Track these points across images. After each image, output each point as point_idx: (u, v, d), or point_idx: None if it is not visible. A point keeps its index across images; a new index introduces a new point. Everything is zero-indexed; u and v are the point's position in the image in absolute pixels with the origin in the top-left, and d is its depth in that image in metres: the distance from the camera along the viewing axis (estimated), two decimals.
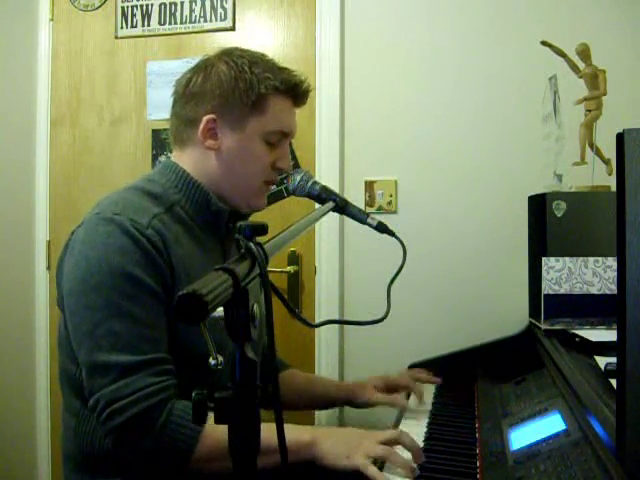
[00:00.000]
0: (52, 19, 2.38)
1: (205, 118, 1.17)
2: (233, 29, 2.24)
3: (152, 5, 2.30)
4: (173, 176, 1.21)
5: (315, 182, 1.30)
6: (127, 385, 1.01)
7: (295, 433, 1.08)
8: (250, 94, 1.16)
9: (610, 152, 1.56)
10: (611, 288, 1.41)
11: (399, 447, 1.07)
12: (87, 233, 1.10)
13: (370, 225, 1.30)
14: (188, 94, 1.21)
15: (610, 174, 1.59)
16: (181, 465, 1.02)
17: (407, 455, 1.05)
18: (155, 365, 1.04)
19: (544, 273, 1.43)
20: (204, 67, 1.20)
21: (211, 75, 1.18)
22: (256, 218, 1.36)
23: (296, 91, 1.22)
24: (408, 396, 1.47)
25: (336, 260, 2.09)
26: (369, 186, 2.07)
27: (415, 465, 1.03)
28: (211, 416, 0.59)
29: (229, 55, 1.20)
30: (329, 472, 1.06)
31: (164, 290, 1.08)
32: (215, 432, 0.99)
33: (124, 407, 1.00)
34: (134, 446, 1.02)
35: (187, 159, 1.23)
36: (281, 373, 1.49)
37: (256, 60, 1.20)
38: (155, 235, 1.08)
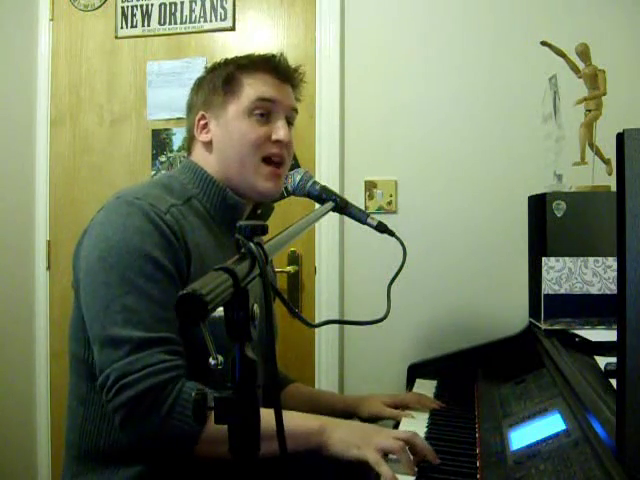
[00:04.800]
0: (52, 19, 2.38)
1: (196, 118, 1.26)
2: (233, 29, 2.24)
3: (152, 5, 2.30)
4: (191, 174, 1.25)
5: (315, 182, 1.30)
6: (138, 360, 1.01)
7: (304, 420, 1.08)
8: (221, 79, 1.25)
9: (610, 152, 1.56)
10: (611, 288, 1.41)
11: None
12: (107, 215, 1.12)
13: (370, 225, 1.30)
14: (187, 110, 1.32)
15: (610, 174, 1.59)
16: (188, 446, 1.01)
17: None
18: (166, 344, 1.04)
19: (544, 273, 1.43)
20: (194, 83, 1.33)
21: (197, 86, 1.31)
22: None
23: (270, 64, 1.26)
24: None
25: (336, 260, 2.09)
26: (369, 186, 2.07)
27: (416, 469, 1.02)
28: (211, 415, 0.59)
29: (212, 64, 1.33)
30: (331, 463, 1.05)
31: (179, 274, 1.09)
32: None
33: (134, 381, 1.00)
34: (141, 423, 1.01)
35: (196, 161, 1.27)
36: (286, 387, 1.48)
37: (235, 56, 1.30)
38: (173, 220, 1.11)
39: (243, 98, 1.23)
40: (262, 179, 1.23)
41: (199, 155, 1.28)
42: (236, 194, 1.25)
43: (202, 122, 1.26)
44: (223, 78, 1.25)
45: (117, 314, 1.03)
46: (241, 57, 1.30)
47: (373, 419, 1.39)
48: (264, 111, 1.23)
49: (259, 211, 1.33)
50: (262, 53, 1.30)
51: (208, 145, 1.26)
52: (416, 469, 1.02)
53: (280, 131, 1.23)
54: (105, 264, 1.07)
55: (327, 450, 1.05)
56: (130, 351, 1.01)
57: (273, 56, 1.27)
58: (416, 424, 1.28)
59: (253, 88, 1.23)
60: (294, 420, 1.08)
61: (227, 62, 1.29)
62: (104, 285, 1.06)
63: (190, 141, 1.31)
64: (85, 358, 1.14)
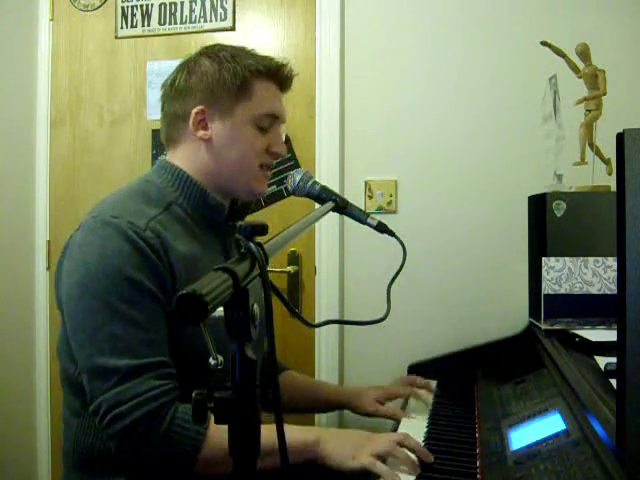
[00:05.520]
0: (52, 19, 2.38)
1: (194, 110, 1.19)
2: (233, 29, 2.24)
3: (152, 5, 2.30)
4: (169, 175, 1.21)
5: (315, 182, 1.30)
6: (128, 389, 1.00)
7: (299, 433, 1.09)
8: (234, 80, 1.19)
9: (610, 152, 1.56)
10: (611, 288, 1.41)
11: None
12: (84, 236, 1.09)
13: (370, 225, 1.30)
14: (175, 92, 1.23)
15: (610, 174, 1.59)
16: (186, 469, 1.02)
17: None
18: (156, 369, 1.03)
19: (544, 273, 1.43)
20: (187, 64, 1.23)
21: (195, 70, 1.21)
22: (256, 218, 1.36)
23: (280, 75, 1.24)
24: (405, 402, 1.48)
25: (336, 260, 2.09)
26: (369, 186, 2.07)
27: (417, 462, 1.03)
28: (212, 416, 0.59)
29: (210, 49, 1.24)
30: (332, 473, 1.06)
31: (163, 292, 1.07)
32: (219, 435, 0.98)
33: (126, 411, 0.99)
34: (137, 450, 1.01)
35: (181, 156, 1.23)
36: (280, 375, 1.49)
37: (237, 51, 1.24)
38: (153, 237, 1.07)
39: (253, 107, 1.20)
40: (258, 183, 1.24)
41: (187, 150, 1.22)
42: (221, 191, 1.23)
43: (200, 117, 1.19)
44: (238, 80, 1.18)
45: (103, 343, 1.02)
46: (251, 56, 1.23)
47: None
48: (268, 126, 1.23)
49: (240, 202, 1.31)
50: (270, 57, 1.25)
51: (206, 142, 1.20)
52: (418, 465, 1.03)
53: (279, 145, 1.25)
54: (86, 290, 1.05)
55: (323, 462, 1.06)
56: (119, 380, 1.00)
57: (284, 65, 1.25)
58: (416, 424, 1.28)
59: (263, 100, 1.21)
60: (289, 433, 1.07)
61: (234, 58, 1.20)
62: (87, 312, 1.04)
63: (176, 134, 1.23)
64: (75, 375, 1.12)
